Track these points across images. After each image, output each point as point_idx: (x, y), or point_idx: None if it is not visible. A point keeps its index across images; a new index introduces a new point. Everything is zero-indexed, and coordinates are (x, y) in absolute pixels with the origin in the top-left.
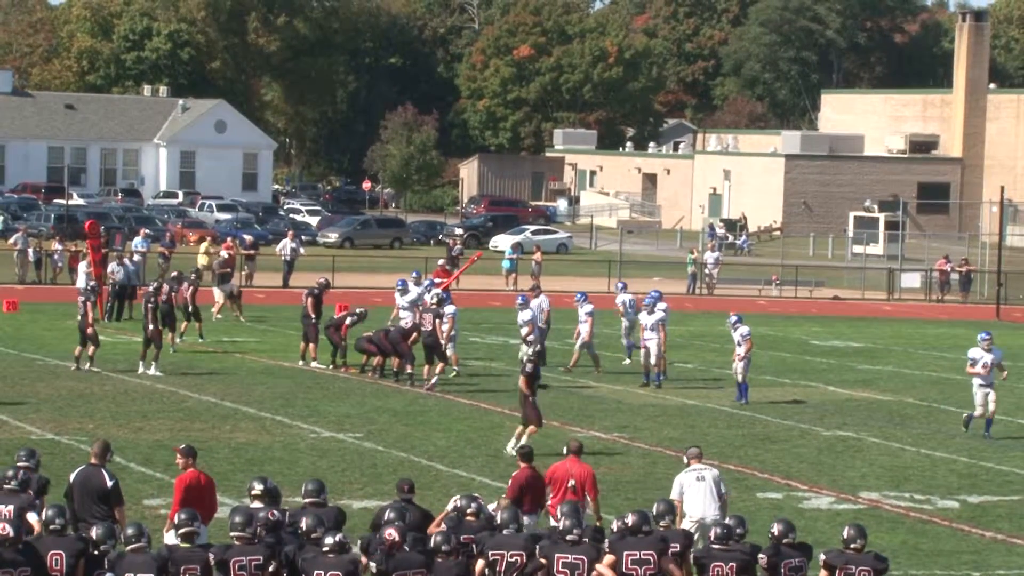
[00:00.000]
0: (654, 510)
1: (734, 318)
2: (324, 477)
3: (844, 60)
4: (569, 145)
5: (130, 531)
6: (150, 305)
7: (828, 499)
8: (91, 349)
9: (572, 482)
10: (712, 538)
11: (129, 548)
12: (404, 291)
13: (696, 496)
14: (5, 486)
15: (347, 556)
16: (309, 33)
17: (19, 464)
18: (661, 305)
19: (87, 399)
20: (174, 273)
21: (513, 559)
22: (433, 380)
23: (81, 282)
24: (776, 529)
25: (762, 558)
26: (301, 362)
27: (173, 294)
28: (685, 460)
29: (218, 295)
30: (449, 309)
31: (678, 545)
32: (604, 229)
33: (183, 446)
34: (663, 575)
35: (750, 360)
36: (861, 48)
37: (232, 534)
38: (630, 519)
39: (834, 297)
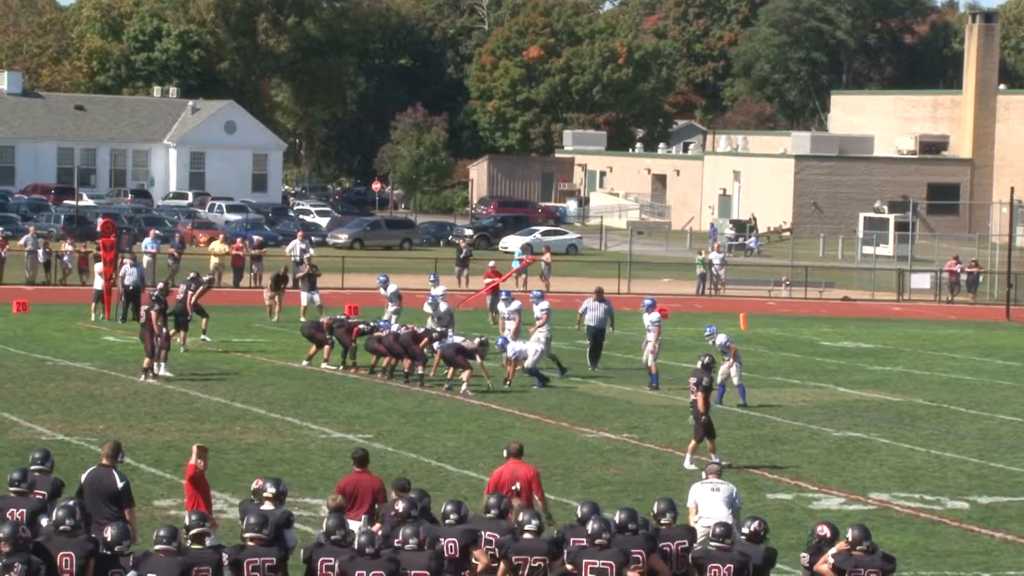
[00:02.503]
0: (654, 508)
1: (708, 330)
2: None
3: (854, 61)
4: (579, 146)
5: (162, 532)
6: (157, 292)
7: (838, 500)
8: (162, 353)
9: (517, 485)
10: (711, 536)
11: (157, 548)
12: (509, 301)
13: (711, 503)
14: (11, 489)
15: (387, 553)
16: (319, 34)
17: (32, 467)
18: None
19: (97, 400)
20: (192, 274)
21: (536, 564)
22: (463, 387)
23: (98, 283)
24: (825, 531)
25: (804, 556)
26: (306, 362)
27: (190, 293)
28: (703, 475)
29: (305, 299)
30: (514, 305)
31: (685, 542)
32: (614, 230)
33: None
34: (652, 573)
35: (742, 362)
36: (871, 49)
37: (246, 535)
38: (618, 518)
39: (844, 298)
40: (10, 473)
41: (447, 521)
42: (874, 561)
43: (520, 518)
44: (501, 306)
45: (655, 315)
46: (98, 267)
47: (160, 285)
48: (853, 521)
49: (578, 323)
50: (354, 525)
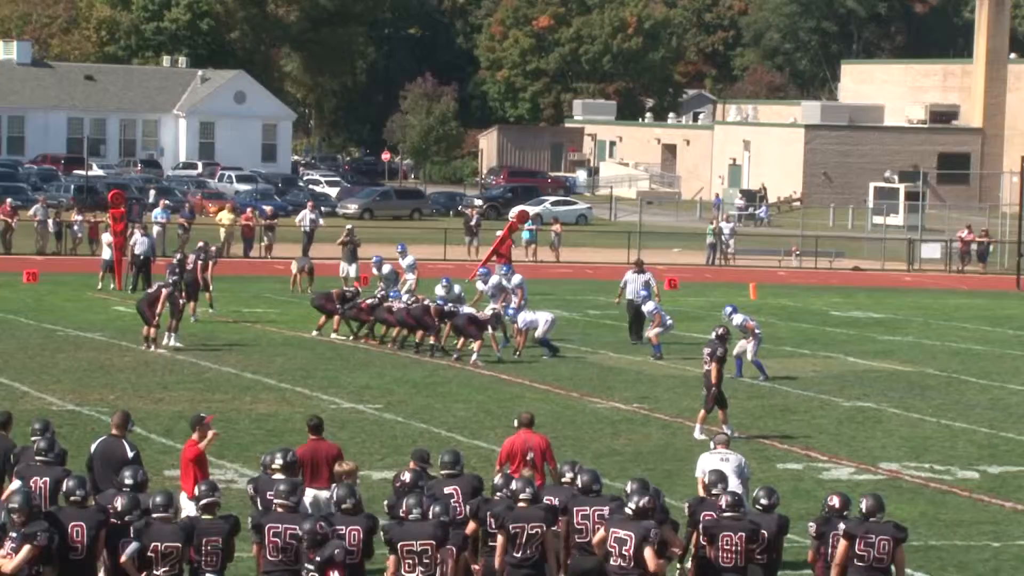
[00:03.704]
0: (706, 479)
1: (728, 310)
2: (344, 448)
3: (864, 30)
4: (588, 116)
5: (158, 499)
6: (175, 277)
7: (848, 470)
8: (174, 323)
9: (531, 455)
10: (723, 507)
11: (156, 516)
12: (509, 276)
13: None
14: (38, 458)
15: (433, 520)
16: (328, 3)
17: (33, 437)
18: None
19: (107, 370)
20: (201, 243)
21: (534, 531)
22: (474, 357)
23: (106, 254)
24: (836, 502)
25: (811, 526)
26: (315, 333)
27: (199, 263)
28: (712, 445)
29: (343, 270)
30: (516, 279)
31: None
32: (624, 200)
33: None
34: (662, 544)
35: (760, 340)
36: (881, 18)
37: (276, 501)
38: (629, 488)
39: (854, 268)
40: (37, 442)
41: (522, 497)
42: (886, 529)
43: (513, 487)
44: (479, 284)
45: (651, 305)
46: (106, 237)
47: (178, 256)
48: (863, 491)
49: (619, 296)
50: (317, 494)
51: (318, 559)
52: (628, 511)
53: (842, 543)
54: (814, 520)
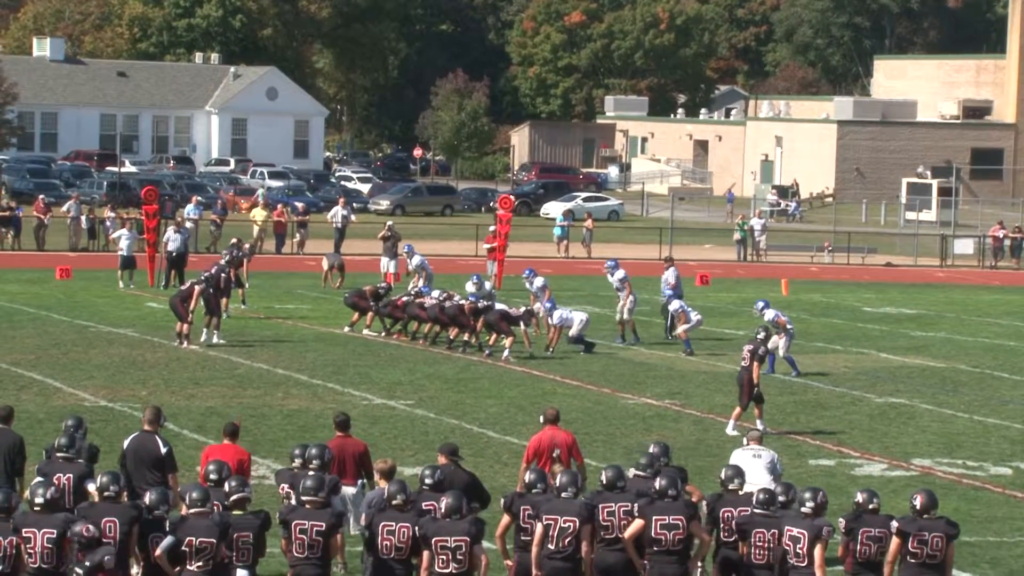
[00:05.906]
0: (721, 474)
1: (759, 305)
2: (375, 444)
3: (897, 25)
4: (620, 112)
5: (195, 494)
6: (223, 274)
7: (880, 466)
8: (215, 320)
9: (557, 451)
10: (755, 503)
11: (193, 511)
12: (531, 278)
13: (753, 470)
14: (59, 455)
15: (468, 518)
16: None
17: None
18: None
19: (140, 366)
20: (234, 240)
21: (566, 524)
22: (505, 353)
23: (125, 249)
24: (861, 498)
25: (841, 522)
26: (347, 328)
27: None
28: (745, 441)
29: (384, 265)
30: (538, 282)
31: (748, 509)
32: (655, 196)
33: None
34: (692, 539)
35: (792, 336)
36: (914, 13)
37: (303, 498)
38: (659, 484)
39: (887, 264)
40: (58, 438)
41: (564, 495)
42: (938, 526)
43: (559, 481)
44: (527, 285)
45: (676, 304)
46: (122, 233)
47: (226, 258)
48: (896, 487)
49: None
50: (344, 490)
51: (87, 564)
52: (807, 509)
53: (894, 540)
54: (844, 516)
